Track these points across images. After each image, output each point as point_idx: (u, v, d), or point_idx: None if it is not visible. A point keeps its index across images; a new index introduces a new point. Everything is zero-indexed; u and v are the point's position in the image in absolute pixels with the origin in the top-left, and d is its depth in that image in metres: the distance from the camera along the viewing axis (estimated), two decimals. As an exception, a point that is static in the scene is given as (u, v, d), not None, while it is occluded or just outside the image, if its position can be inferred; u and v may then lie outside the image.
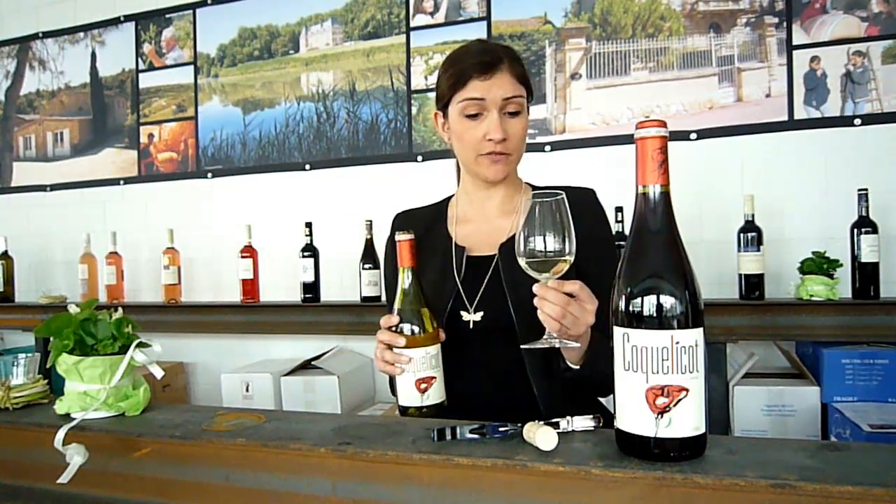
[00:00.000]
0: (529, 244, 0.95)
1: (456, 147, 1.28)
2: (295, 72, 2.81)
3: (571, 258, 0.95)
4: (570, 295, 0.96)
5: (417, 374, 1.09)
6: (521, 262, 0.96)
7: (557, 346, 0.97)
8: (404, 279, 1.13)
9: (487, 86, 1.19)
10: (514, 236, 1.23)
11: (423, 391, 1.09)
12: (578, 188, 1.30)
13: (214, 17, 2.94)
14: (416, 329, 1.11)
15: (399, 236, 1.14)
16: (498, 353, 1.21)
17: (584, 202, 1.25)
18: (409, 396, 1.10)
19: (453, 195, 1.40)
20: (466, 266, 1.26)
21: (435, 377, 1.10)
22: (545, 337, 0.98)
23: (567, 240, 0.94)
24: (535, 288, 0.96)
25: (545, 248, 0.94)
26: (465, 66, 1.21)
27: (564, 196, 0.96)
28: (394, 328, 1.11)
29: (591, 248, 1.12)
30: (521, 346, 1.02)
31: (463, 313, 1.23)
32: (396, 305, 1.13)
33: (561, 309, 0.95)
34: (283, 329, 2.60)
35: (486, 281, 1.23)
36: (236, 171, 2.88)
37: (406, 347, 1.09)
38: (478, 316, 1.22)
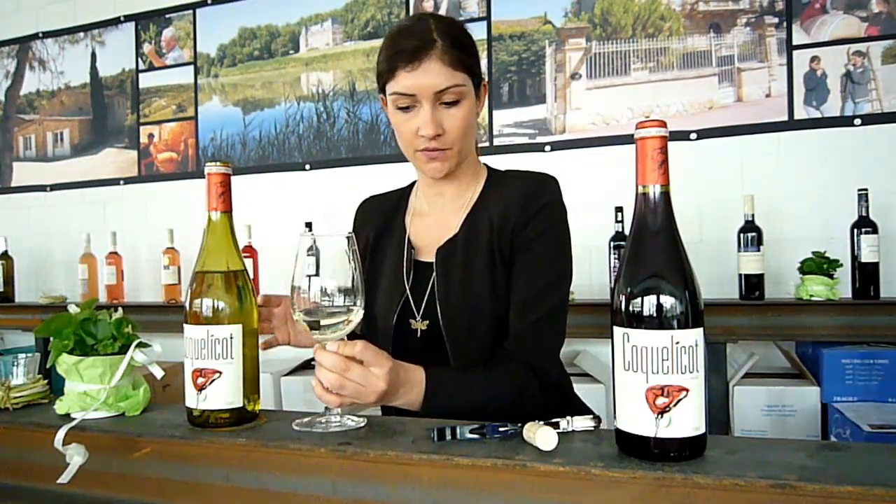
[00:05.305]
0: (307, 294, 0.82)
1: (397, 138, 1.17)
2: (295, 72, 2.81)
3: (359, 311, 0.82)
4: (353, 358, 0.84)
5: (195, 363, 0.85)
6: (297, 317, 0.82)
7: (345, 419, 0.84)
8: (207, 229, 0.92)
9: (415, 77, 1.05)
10: (452, 239, 1.15)
11: (200, 388, 0.85)
12: (539, 174, 1.18)
13: (214, 17, 2.94)
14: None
15: (211, 167, 0.94)
16: (443, 363, 1.10)
17: (536, 192, 1.13)
18: (188, 392, 0.86)
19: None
20: (415, 270, 1.16)
21: (220, 372, 0.84)
22: (326, 416, 0.84)
23: (356, 287, 0.81)
24: (314, 351, 0.85)
25: (332, 300, 0.80)
26: (393, 52, 1.07)
27: (353, 235, 0.87)
28: None
29: (527, 242, 1.09)
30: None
31: (411, 321, 1.13)
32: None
33: (338, 378, 0.83)
34: (283, 329, 2.59)
35: (429, 287, 1.14)
36: (236, 172, 2.86)
37: (187, 322, 0.87)
38: (424, 325, 1.12)
